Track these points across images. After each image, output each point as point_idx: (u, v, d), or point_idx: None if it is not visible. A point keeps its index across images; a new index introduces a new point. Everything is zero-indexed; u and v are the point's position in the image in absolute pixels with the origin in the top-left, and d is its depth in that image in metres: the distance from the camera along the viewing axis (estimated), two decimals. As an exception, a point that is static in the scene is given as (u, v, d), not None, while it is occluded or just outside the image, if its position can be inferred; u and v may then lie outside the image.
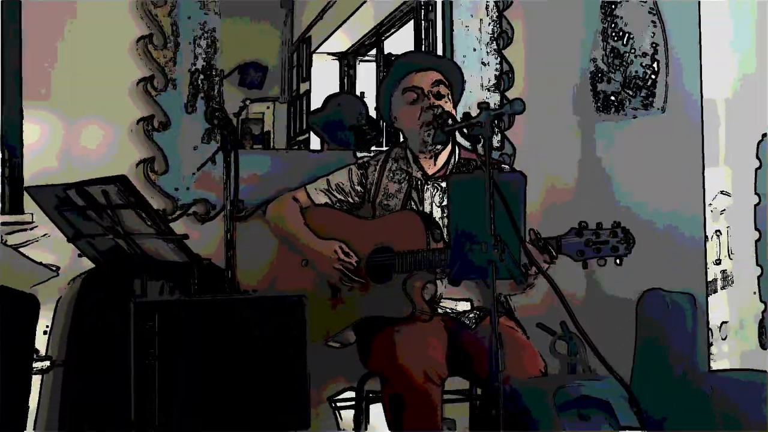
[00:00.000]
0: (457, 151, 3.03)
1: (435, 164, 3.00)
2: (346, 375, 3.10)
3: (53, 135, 3.24)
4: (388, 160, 3.05)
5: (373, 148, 3.60)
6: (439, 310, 2.91)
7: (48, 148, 3.22)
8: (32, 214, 3.07)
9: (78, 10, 3.21)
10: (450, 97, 2.99)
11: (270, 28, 3.83)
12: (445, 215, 2.92)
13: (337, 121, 3.64)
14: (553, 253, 2.62)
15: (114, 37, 3.26)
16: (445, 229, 2.88)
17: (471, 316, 2.89)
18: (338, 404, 3.20)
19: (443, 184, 2.95)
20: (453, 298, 2.91)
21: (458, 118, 2.87)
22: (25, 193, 3.07)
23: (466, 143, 2.73)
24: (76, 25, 3.21)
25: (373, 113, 3.66)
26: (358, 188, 3.04)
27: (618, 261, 2.61)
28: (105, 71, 3.24)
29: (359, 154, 3.40)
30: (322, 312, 2.83)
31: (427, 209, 2.96)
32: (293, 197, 3.05)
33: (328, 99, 3.69)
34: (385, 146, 3.62)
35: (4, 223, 3.12)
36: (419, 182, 2.99)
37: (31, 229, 3.11)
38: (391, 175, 3.02)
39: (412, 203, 2.96)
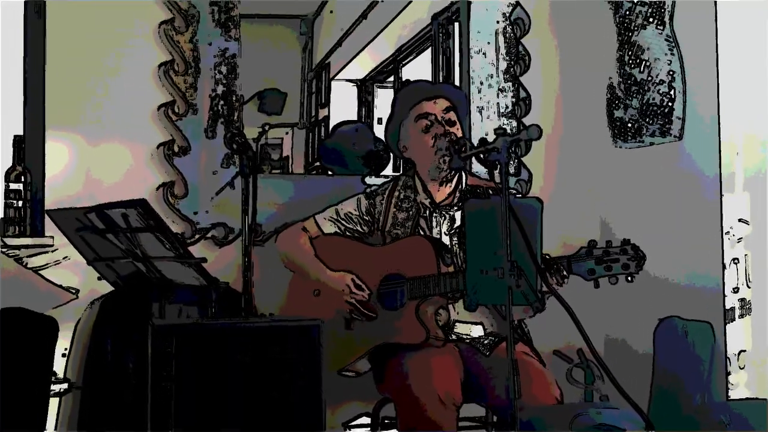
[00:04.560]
0: (463, 178, 3.04)
1: (444, 192, 3.00)
2: (361, 401, 3.10)
3: (75, 159, 3.28)
4: (396, 188, 3.05)
5: (389, 171, 3.62)
6: (453, 336, 2.90)
7: (69, 172, 3.26)
8: (53, 237, 3.10)
9: (101, 37, 3.26)
10: (459, 123, 3.00)
11: (289, 54, 3.87)
12: (455, 242, 2.92)
13: (345, 149, 3.66)
14: (565, 273, 2.61)
15: (136, 63, 3.31)
16: (458, 254, 2.88)
17: (486, 342, 2.88)
18: (353, 430, 3.19)
19: (452, 212, 2.96)
20: (464, 321, 2.90)
21: (474, 144, 2.90)
22: (46, 216, 3.11)
23: (479, 169, 2.73)
24: (98, 51, 3.26)
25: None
26: (367, 217, 3.04)
27: (629, 278, 2.60)
28: (127, 96, 3.29)
29: (368, 181, 3.42)
30: (335, 341, 2.83)
31: (435, 236, 2.95)
32: (302, 227, 3.05)
33: (336, 127, 3.72)
34: (401, 170, 3.64)
35: (25, 246, 3.15)
36: (427, 210, 2.99)
37: (52, 251, 3.14)
38: (399, 203, 3.01)
39: (420, 231, 2.96)
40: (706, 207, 3.25)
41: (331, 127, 3.75)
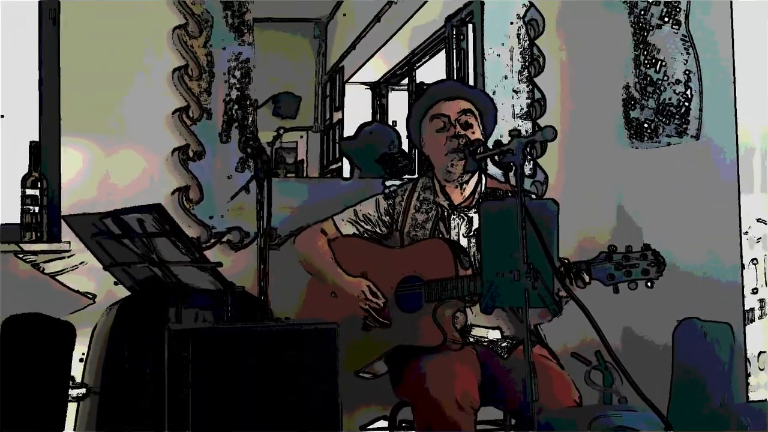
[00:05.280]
0: (483, 180, 3.02)
1: (462, 193, 3.00)
2: (378, 404, 3.09)
3: (90, 164, 3.29)
4: (415, 189, 3.04)
5: (405, 176, 3.61)
6: (471, 339, 2.89)
7: (85, 177, 3.28)
8: (69, 242, 3.11)
9: (115, 42, 3.28)
10: (479, 127, 2.98)
11: (303, 58, 3.88)
12: (472, 245, 2.91)
13: (369, 149, 3.66)
14: (587, 279, 2.60)
15: (150, 69, 3.32)
16: (476, 257, 2.87)
17: (503, 345, 2.87)
18: (371, 433, 3.19)
19: (470, 214, 2.95)
20: (481, 325, 2.89)
21: (489, 146, 2.88)
22: (62, 221, 3.12)
23: (497, 171, 2.72)
24: (113, 56, 3.27)
25: (404, 141, 3.67)
26: (386, 218, 3.03)
27: (649, 284, 2.58)
28: (141, 102, 3.30)
29: (388, 183, 3.41)
30: (352, 342, 2.82)
31: (453, 239, 2.94)
32: (321, 229, 3.05)
33: (361, 127, 3.72)
34: (417, 174, 3.63)
35: (42, 251, 3.17)
36: (446, 212, 2.98)
37: (69, 257, 3.16)
38: (419, 204, 3.01)
39: (439, 233, 2.95)
40: (724, 207, 3.23)
41: (355, 128, 3.75)
